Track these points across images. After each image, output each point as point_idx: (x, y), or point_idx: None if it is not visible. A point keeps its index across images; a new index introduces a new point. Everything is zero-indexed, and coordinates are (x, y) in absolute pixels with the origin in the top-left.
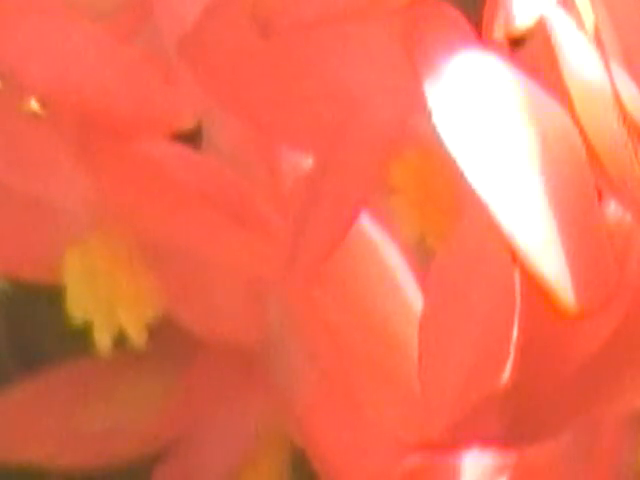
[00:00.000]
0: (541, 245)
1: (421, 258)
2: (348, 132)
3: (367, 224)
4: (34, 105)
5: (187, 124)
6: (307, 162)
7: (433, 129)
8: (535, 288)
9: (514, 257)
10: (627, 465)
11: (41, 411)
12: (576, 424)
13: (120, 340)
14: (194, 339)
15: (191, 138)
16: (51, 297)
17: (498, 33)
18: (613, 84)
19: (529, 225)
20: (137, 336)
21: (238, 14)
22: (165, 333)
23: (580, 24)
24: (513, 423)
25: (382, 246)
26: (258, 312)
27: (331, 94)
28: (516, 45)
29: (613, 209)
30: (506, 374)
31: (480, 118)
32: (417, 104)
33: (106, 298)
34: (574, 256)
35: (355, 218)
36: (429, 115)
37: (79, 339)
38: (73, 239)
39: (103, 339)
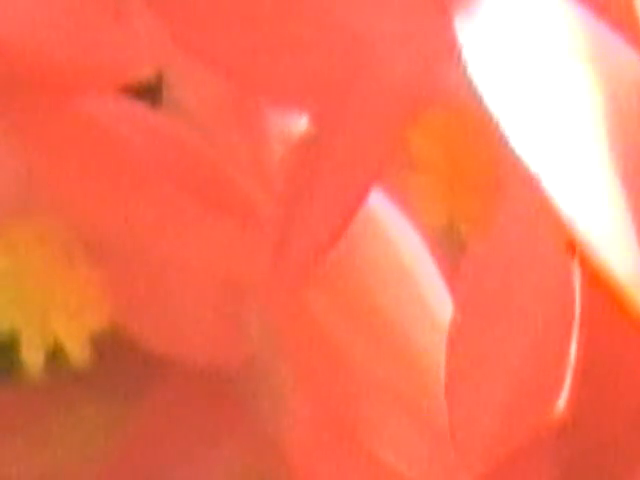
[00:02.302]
0: (612, 232)
1: (450, 251)
2: (355, 87)
3: (380, 207)
4: None
5: (143, 75)
6: (301, 126)
7: (466, 82)
8: (602, 290)
9: (573, 249)
10: None
11: None
12: None
13: (55, 358)
14: (151, 359)
15: (149, 94)
16: None
17: None
18: None
19: (595, 206)
20: (77, 353)
21: None
22: (113, 350)
23: None
24: (571, 470)
25: (399, 235)
26: (235, 325)
27: (333, 38)
28: None
29: None
30: (562, 406)
31: (529, 67)
32: (445, 49)
33: (38, 305)
34: None
35: (364, 200)
36: (461, 63)
37: (3, 357)
38: None
39: (33, 357)
